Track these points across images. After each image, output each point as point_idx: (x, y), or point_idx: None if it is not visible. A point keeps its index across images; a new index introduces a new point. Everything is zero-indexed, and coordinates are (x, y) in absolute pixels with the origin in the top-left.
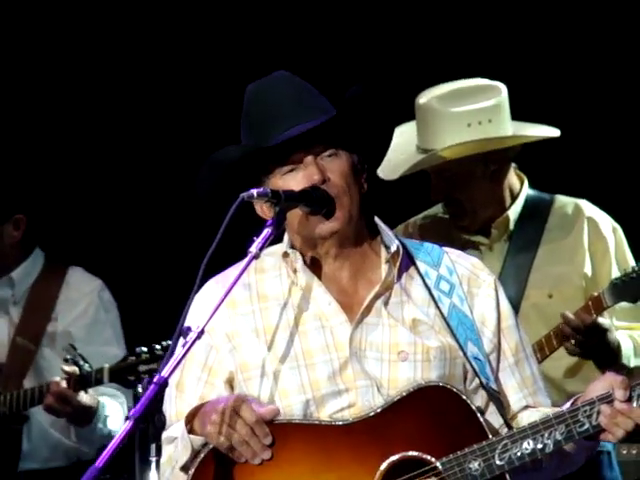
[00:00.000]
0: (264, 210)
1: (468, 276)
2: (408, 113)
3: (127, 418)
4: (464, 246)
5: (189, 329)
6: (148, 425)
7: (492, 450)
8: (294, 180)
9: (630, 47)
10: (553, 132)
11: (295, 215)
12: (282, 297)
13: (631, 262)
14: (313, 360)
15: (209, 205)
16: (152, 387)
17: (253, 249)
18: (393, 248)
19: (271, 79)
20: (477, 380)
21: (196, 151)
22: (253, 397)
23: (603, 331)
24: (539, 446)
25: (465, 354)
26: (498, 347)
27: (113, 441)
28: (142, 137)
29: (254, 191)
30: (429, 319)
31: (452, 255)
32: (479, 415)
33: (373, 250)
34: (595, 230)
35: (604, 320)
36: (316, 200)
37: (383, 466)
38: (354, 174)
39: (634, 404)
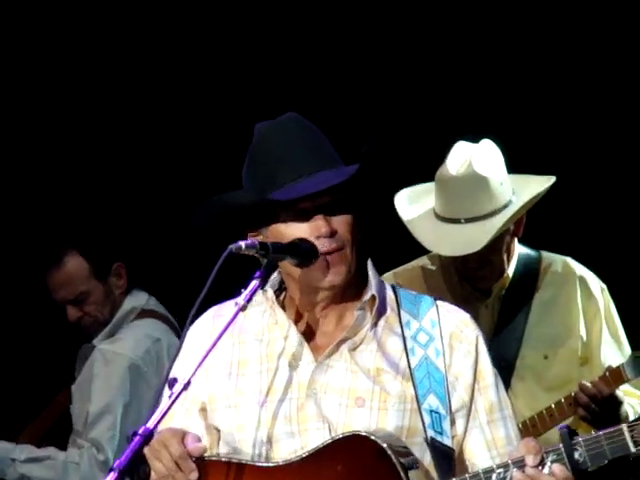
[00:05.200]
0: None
1: (452, 330)
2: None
3: (111, 470)
4: (466, 300)
5: (175, 380)
6: (132, 477)
7: None
8: (299, 230)
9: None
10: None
11: (287, 265)
12: (261, 333)
13: (618, 322)
14: (274, 398)
15: (202, 236)
16: (137, 439)
17: (240, 301)
18: (367, 296)
19: (281, 121)
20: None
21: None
22: (217, 428)
23: (618, 404)
24: None
25: (419, 405)
26: (469, 405)
27: None
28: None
29: (242, 243)
30: (395, 370)
31: (442, 308)
32: (401, 471)
33: (359, 294)
34: (586, 290)
35: (620, 393)
36: (303, 252)
37: None
38: (357, 226)
39: (545, 470)
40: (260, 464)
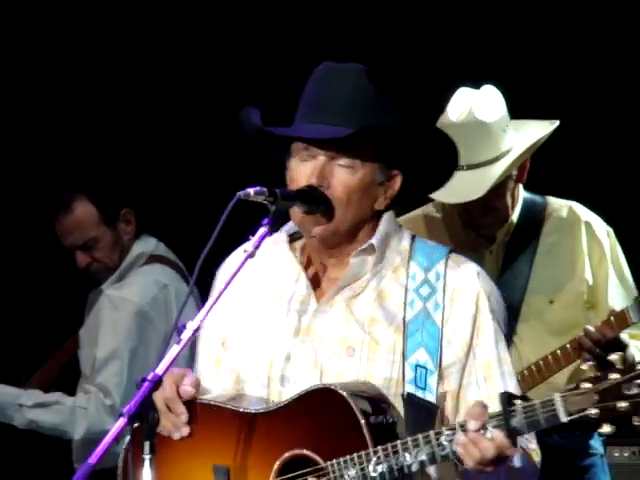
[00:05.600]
0: None
1: (455, 284)
2: None
3: (121, 415)
4: (470, 247)
5: (184, 326)
6: (142, 422)
7: (368, 460)
8: (298, 172)
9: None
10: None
11: (294, 211)
12: (277, 274)
13: (625, 265)
14: (277, 341)
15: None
16: (146, 385)
17: (249, 248)
18: (364, 245)
19: (341, 67)
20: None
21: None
22: (236, 366)
23: (623, 347)
24: (407, 463)
25: (404, 358)
26: (465, 360)
27: (106, 438)
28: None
29: (251, 190)
30: (388, 321)
31: (451, 261)
32: (363, 422)
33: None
34: (592, 234)
35: (625, 336)
36: (312, 200)
37: (281, 459)
38: (365, 190)
39: (487, 435)
40: (240, 410)
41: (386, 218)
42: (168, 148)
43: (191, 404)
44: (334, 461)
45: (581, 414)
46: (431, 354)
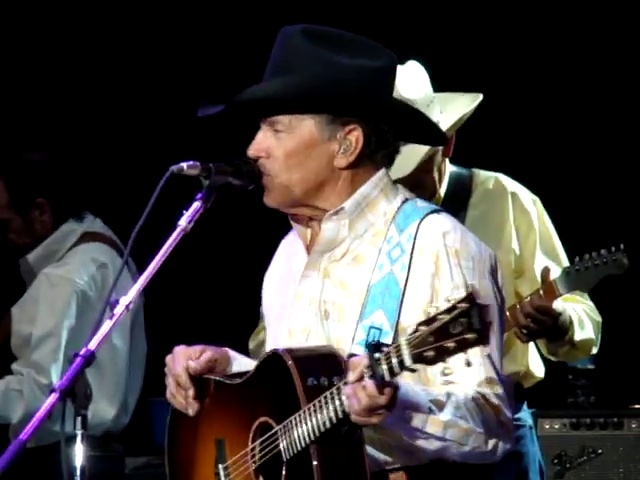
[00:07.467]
0: None
1: (422, 244)
2: None
3: (53, 390)
4: None
5: (117, 301)
6: (74, 398)
7: (300, 421)
8: None
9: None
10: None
11: None
12: (297, 246)
13: (554, 234)
14: (284, 312)
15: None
16: (79, 360)
17: (182, 222)
18: (333, 209)
19: (291, 29)
20: None
21: None
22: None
23: (556, 315)
24: (321, 421)
25: (360, 320)
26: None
27: (38, 414)
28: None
29: (184, 164)
30: (357, 285)
31: (426, 221)
32: (298, 384)
33: None
34: (518, 204)
35: (557, 304)
36: (245, 175)
37: (253, 427)
38: (307, 150)
39: (363, 384)
40: (227, 381)
41: (372, 180)
42: (102, 122)
43: (203, 379)
44: (281, 425)
45: (421, 357)
46: (389, 316)
